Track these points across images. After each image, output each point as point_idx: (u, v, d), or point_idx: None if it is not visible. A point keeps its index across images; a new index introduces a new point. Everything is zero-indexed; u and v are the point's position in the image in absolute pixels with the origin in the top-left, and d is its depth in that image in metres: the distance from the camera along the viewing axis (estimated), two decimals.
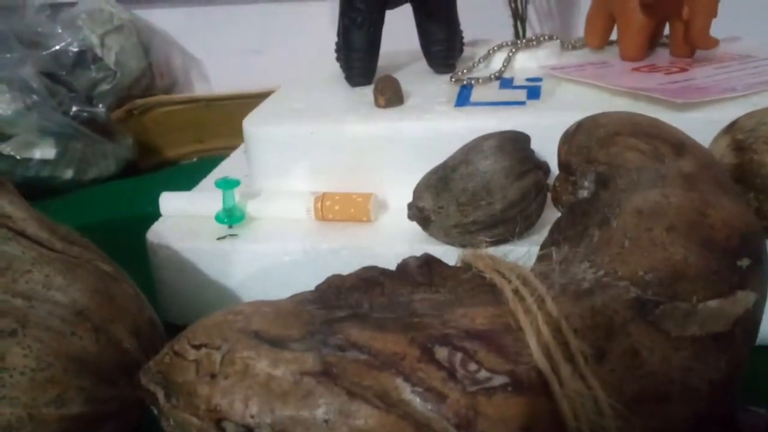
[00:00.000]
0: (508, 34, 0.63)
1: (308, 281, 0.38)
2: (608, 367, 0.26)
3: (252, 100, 0.62)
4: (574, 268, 0.30)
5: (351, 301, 0.28)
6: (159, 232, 0.47)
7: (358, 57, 0.52)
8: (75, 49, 0.74)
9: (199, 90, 0.86)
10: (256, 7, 0.79)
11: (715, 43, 0.50)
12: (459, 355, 0.26)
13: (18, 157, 0.68)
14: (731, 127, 0.39)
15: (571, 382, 0.25)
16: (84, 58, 0.74)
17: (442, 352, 0.26)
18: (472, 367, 0.26)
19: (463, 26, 0.59)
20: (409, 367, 0.25)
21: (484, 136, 0.41)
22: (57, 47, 0.74)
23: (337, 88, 0.54)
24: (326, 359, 0.26)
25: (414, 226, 0.43)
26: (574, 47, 0.58)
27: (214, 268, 0.45)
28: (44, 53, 0.73)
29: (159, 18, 0.84)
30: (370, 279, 0.29)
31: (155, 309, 0.47)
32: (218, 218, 0.46)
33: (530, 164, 0.40)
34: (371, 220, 0.46)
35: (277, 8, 0.83)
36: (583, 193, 0.35)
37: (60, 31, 0.74)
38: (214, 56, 0.85)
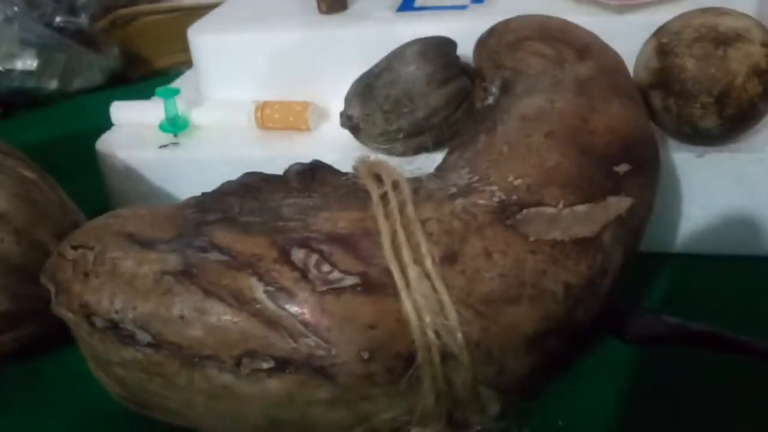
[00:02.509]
0: None
1: None
2: (459, 269, 0.26)
3: None
4: (453, 174, 0.30)
5: (225, 205, 0.29)
6: (108, 141, 0.48)
7: None
8: None
9: None
10: None
11: None
12: (315, 257, 0.27)
13: (1, 69, 0.69)
14: (659, 30, 0.38)
15: (419, 284, 0.26)
16: None
17: (298, 254, 0.27)
18: (326, 268, 0.26)
19: None
20: (265, 268, 0.26)
21: (409, 43, 0.40)
22: None
23: None
24: (188, 260, 0.27)
25: (350, 134, 0.44)
26: None
27: (158, 176, 0.46)
28: None
29: None
30: (249, 184, 0.30)
31: None
32: (162, 127, 0.47)
33: (455, 71, 0.40)
34: (310, 129, 0.46)
35: None
36: (489, 100, 0.35)
37: None
38: None
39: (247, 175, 0.31)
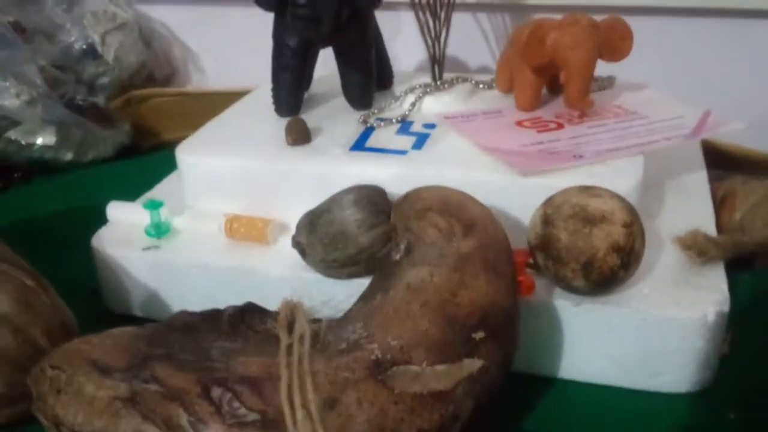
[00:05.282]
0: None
1: (210, 289, 0.52)
2: (336, 413, 0.35)
3: (234, 96, 0.71)
4: (350, 326, 0.38)
5: (169, 341, 0.38)
6: (101, 238, 0.57)
7: (285, 95, 0.60)
8: (82, 45, 0.85)
9: (196, 82, 0.95)
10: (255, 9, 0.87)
11: (590, 104, 0.56)
12: (228, 395, 0.35)
13: (23, 143, 0.79)
14: (546, 201, 0.46)
15: (303, 424, 0.34)
16: (88, 53, 0.84)
17: (217, 392, 0.35)
18: (236, 405, 0.35)
19: (406, 65, 0.66)
20: (190, 401, 0.35)
21: (347, 190, 0.49)
22: (66, 42, 0.84)
23: (270, 117, 0.62)
24: (134, 389, 0.35)
25: None
26: (490, 87, 0.64)
27: (140, 273, 0.55)
28: (55, 47, 0.83)
29: (162, 14, 0.92)
30: (190, 324, 0.39)
31: (101, 299, 0.58)
32: (147, 232, 0.56)
33: (382, 217, 0.48)
34: (269, 243, 0.55)
35: None
36: (397, 256, 0.43)
37: (69, 27, 0.84)
38: (211, 52, 0.94)
39: (190, 314, 0.39)
